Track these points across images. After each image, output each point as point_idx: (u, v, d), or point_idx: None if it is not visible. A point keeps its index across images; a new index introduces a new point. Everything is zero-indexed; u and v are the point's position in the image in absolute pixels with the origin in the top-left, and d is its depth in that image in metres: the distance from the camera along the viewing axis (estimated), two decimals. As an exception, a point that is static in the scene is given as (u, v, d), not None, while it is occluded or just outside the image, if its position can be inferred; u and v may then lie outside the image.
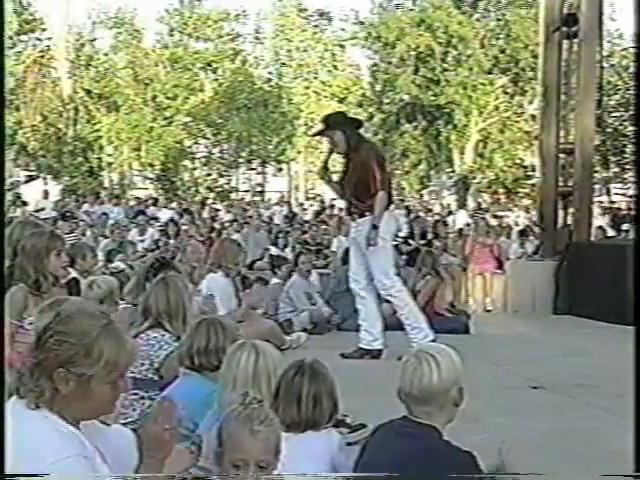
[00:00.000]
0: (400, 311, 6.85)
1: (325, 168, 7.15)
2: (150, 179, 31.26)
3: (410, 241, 12.67)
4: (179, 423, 2.30)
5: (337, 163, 7.72)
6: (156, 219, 16.34)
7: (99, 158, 29.59)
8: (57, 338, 2.02)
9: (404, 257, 11.65)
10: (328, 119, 7.10)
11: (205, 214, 17.94)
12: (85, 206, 18.70)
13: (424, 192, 33.02)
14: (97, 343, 2.04)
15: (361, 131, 7.15)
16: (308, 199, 29.72)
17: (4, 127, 2.18)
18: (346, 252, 9.43)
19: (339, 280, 9.12)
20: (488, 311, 10.87)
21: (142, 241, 13.02)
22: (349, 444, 3.42)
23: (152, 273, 5.50)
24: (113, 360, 2.06)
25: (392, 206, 7.16)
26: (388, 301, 7.15)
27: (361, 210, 6.80)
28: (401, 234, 13.15)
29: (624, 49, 29.41)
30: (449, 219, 18.17)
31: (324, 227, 15.24)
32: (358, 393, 5.38)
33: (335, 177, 7.19)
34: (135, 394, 3.98)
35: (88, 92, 29.71)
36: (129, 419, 3.86)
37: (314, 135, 8.03)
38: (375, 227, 6.66)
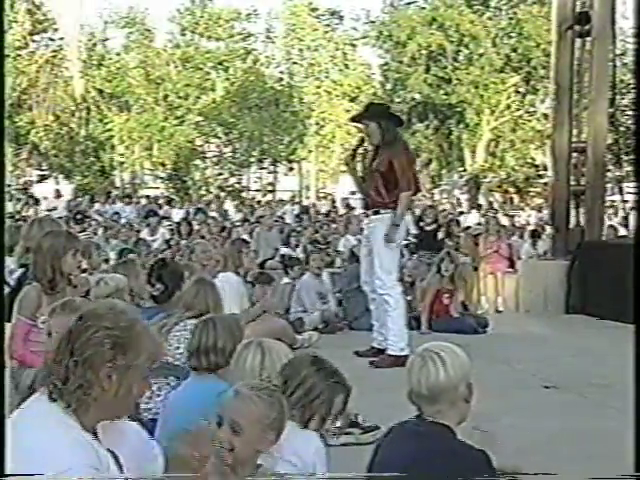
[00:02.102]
0: (390, 312, 6.72)
1: (352, 156, 7.08)
2: (161, 178, 31.33)
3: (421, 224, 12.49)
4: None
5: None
6: (168, 218, 16.39)
7: (111, 157, 29.69)
8: (105, 333, 2.02)
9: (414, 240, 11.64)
10: (369, 107, 7.12)
11: (215, 213, 17.97)
12: (97, 205, 18.79)
13: (435, 191, 32.97)
14: (141, 335, 2.08)
15: (398, 129, 7.01)
16: (319, 198, 29.72)
17: (4, 127, 2.19)
18: (351, 251, 9.46)
19: (350, 279, 9.12)
20: (499, 312, 10.84)
21: (153, 241, 13.05)
22: (363, 444, 3.43)
23: (155, 273, 5.53)
24: (154, 351, 2.11)
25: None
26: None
27: (378, 205, 6.69)
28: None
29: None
30: (461, 219, 18.13)
31: (334, 226, 15.26)
32: (370, 393, 5.38)
33: (360, 169, 7.07)
34: (167, 377, 3.99)
35: (100, 92, 29.82)
36: (153, 409, 3.85)
37: (351, 119, 7.93)
38: (396, 225, 6.56)
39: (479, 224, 15.38)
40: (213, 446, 2.25)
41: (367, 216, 6.93)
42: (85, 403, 2.01)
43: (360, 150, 7.11)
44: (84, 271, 4.62)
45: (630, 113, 27.89)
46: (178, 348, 4.17)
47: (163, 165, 30.29)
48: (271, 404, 2.31)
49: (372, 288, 6.88)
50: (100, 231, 13.91)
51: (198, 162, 31.53)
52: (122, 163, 30.03)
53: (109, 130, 29.23)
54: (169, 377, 4.01)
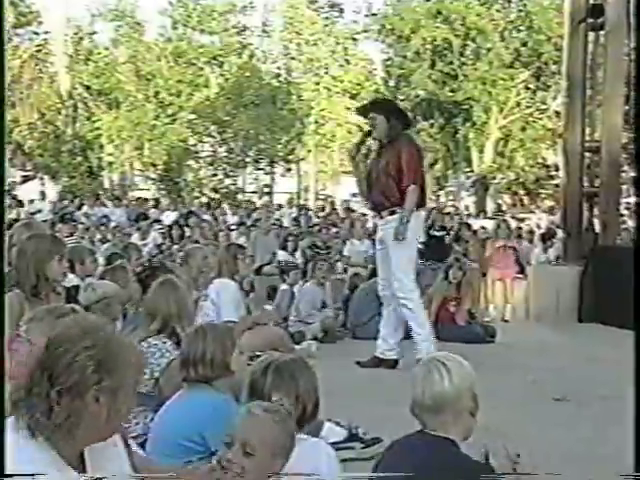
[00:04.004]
0: (413, 319, 6.75)
1: (357, 150, 7.08)
2: (152, 179, 31.34)
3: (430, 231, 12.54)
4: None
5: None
6: (159, 222, 16.39)
7: (99, 157, 29.71)
8: (86, 354, 1.98)
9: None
10: (377, 101, 7.15)
11: (208, 216, 17.99)
12: (84, 208, 18.79)
13: (441, 193, 32.99)
14: (121, 349, 2.05)
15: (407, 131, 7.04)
16: (319, 200, 29.74)
17: (4, 126, 2.20)
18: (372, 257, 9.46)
19: (365, 288, 9.16)
20: (505, 321, 10.83)
21: (144, 245, 13.05)
22: (363, 460, 3.42)
23: (144, 277, 5.53)
24: (137, 363, 2.09)
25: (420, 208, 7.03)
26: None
27: (389, 206, 6.71)
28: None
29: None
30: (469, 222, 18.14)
31: (335, 230, 15.26)
32: (371, 405, 5.38)
33: (362, 167, 7.05)
34: (138, 407, 3.99)
35: (87, 88, 29.85)
36: (132, 433, 3.86)
37: (357, 109, 7.94)
38: (406, 221, 6.57)
39: (483, 227, 15.39)
40: (221, 467, 2.25)
41: (381, 217, 6.90)
42: (72, 432, 1.97)
43: (364, 146, 7.11)
44: (65, 274, 4.60)
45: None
46: (144, 374, 4.11)
47: (154, 166, 30.30)
48: (284, 429, 2.31)
49: (392, 292, 6.88)
50: (88, 235, 13.91)
51: (191, 162, 31.55)
52: (111, 163, 30.04)
53: (97, 129, 29.25)
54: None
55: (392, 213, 6.71)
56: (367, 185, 6.97)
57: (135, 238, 13.63)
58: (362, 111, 7.30)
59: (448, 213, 21.16)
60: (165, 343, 4.18)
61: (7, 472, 1.92)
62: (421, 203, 6.84)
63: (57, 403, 1.94)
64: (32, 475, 1.88)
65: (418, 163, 6.78)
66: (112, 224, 15.84)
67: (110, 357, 2.00)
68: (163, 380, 4.07)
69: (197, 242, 11.86)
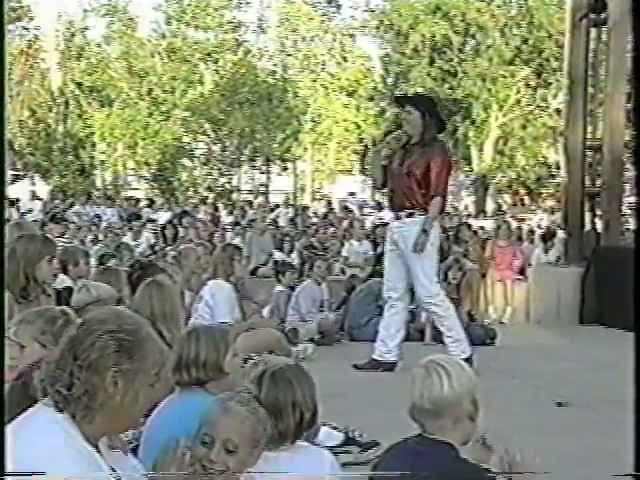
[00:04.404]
0: (443, 322, 6.80)
1: (386, 140, 7.02)
2: (146, 179, 31.33)
3: None
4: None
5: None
6: (153, 222, 16.39)
7: (91, 156, 29.69)
8: (110, 336, 2.07)
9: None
10: (417, 95, 7.18)
11: (203, 215, 17.98)
12: (76, 207, 18.78)
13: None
14: (147, 340, 2.14)
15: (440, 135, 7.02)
16: (315, 200, 29.74)
17: (4, 126, 2.20)
18: (376, 260, 9.50)
19: (363, 289, 9.18)
20: (502, 323, 10.83)
21: (137, 246, 13.04)
22: (361, 464, 3.42)
23: (135, 276, 5.51)
24: (160, 359, 2.15)
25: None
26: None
27: (410, 207, 6.70)
28: None
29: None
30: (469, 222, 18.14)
31: (332, 230, 15.27)
32: (371, 408, 5.38)
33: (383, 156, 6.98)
34: None
35: (79, 85, 29.83)
36: (124, 439, 3.85)
37: (396, 98, 7.88)
38: (425, 232, 6.58)
39: (482, 227, 15.41)
40: (202, 467, 2.26)
41: (398, 218, 6.88)
42: (91, 411, 2.06)
43: (387, 143, 7.01)
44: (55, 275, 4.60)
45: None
46: None
47: (147, 164, 30.29)
48: (259, 419, 2.33)
49: (399, 295, 6.90)
50: (80, 235, 13.89)
51: (185, 161, 31.54)
52: (103, 162, 30.03)
53: (89, 127, 29.23)
54: None
55: (410, 215, 6.72)
56: (384, 177, 6.93)
57: (128, 238, 13.63)
58: (400, 101, 7.27)
59: (447, 213, 21.18)
60: None
61: (7, 471, 1.97)
62: (441, 210, 6.89)
63: (77, 378, 2.05)
64: (31, 474, 1.93)
65: (447, 174, 6.75)
66: (104, 224, 15.83)
67: (133, 343, 2.10)
68: None
69: (191, 242, 11.85)
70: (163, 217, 17.32)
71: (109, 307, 2.36)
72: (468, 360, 6.07)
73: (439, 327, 6.88)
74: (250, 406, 2.34)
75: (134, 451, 3.33)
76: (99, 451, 2.12)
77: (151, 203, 21.28)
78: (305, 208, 20.35)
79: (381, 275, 9.79)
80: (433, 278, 6.81)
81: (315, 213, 20.69)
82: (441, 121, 7.02)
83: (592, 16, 10.25)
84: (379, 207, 26.02)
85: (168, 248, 12.15)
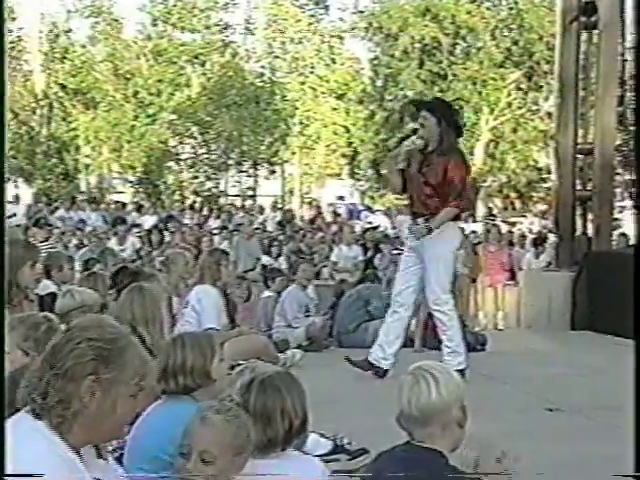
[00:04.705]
0: (446, 331, 6.82)
1: (402, 145, 7.01)
2: (131, 182, 31.25)
3: None
4: None
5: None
6: (138, 226, 16.35)
7: (75, 159, 29.59)
8: (88, 344, 2.07)
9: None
10: (433, 100, 7.21)
11: (188, 220, 17.96)
12: (60, 212, 18.71)
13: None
14: (127, 349, 2.12)
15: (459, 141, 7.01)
16: (304, 204, 29.74)
17: (4, 126, 2.21)
18: (366, 265, 9.53)
19: (352, 294, 9.19)
20: (497, 329, 10.85)
21: (122, 250, 13.02)
22: (349, 472, 3.42)
23: (119, 282, 5.50)
24: (141, 369, 2.13)
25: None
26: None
27: (427, 214, 6.75)
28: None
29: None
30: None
31: (320, 235, 15.28)
32: (360, 415, 5.38)
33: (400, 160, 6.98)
34: None
35: (63, 87, 29.74)
36: (108, 447, 3.84)
37: (412, 102, 7.92)
38: (429, 229, 6.61)
39: (473, 232, 15.45)
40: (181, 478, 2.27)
41: (416, 224, 6.89)
42: (67, 420, 2.05)
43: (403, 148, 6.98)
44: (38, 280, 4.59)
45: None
46: None
47: (133, 168, 30.21)
48: (239, 427, 2.33)
49: (403, 301, 6.91)
50: (64, 240, 13.85)
51: (171, 165, 31.49)
52: (88, 166, 29.93)
53: (73, 129, 29.14)
54: None
55: (426, 221, 6.76)
56: (403, 182, 6.93)
57: (113, 243, 13.60)
58: (416, 105, 7.29)
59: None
60: None
61: (7, 472, 1.98)
62: (458, 215, 6.90)
63: (52, 387, 2.04)
64: (31, 475, 1.94)
65: (464, 182, 6.74)
66: (88, 228, 15.79)
67: (112, 352, 2.08)
68: None
69: (177, 247, 11.84)
70: (148, 221, 17.28)
71: (93, 315, 2.35)
72: (462, 372, 6.18)
73: (440, 335, 6.90)
74: (229, 414, 2.35)
75: (119, 460, 3.33)
76: (82, 459, 2.10)
77: (139, 207, 21.22)
78: (288, 211, 20.29)
79: (371, 280, 9.83)
80: (446, 286, 6.84)
81: (301, 217, 20.68)
82: (458, 127, 6.97)
83: (583, 19, 10.29)
84: (369, 211, 26.08)
85: (154, 253, 12.14)
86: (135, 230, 15.35)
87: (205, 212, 20.68)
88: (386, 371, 6.91)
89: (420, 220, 6.80)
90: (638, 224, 7.74)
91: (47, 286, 5.90)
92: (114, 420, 2.12)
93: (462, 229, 7.19)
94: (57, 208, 19.48)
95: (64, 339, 2.10)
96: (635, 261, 3.02)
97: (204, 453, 2.26)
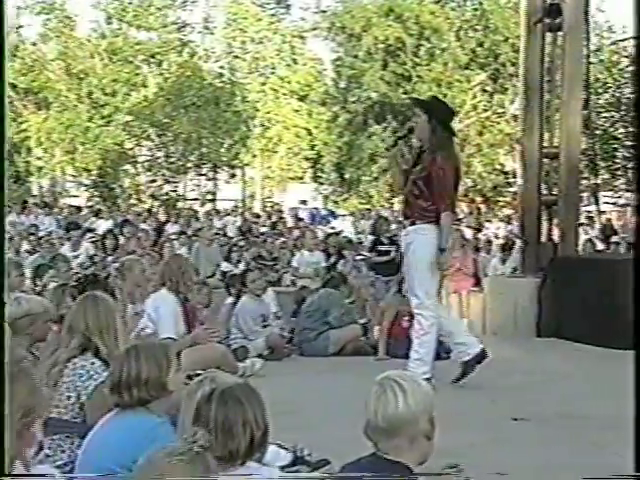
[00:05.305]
0: (422, 335, 6.82)
1: (398, 143, 7.10)
2: (85, 186, 30.97)
3: (382, 248, 12.79)
4: None
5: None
6: (93, 231, 16.19)
7: (26, 162, 29.27)
8: None
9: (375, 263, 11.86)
10: (428, 98, 7.27)
11: (146, 224, 17.83)
12: (11, 216, 18.47)
13: (395, 201, 33.17)
14: (14, 379, 2.05)
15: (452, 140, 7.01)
16: (265, 209, 29.69)
17: (4, 126, 2.18)
18: (328, 271, 9.53)
19: (313, 302, 9.18)
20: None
21: (76, 257, 12.88)
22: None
23: (79, 291, 5.45)
24: (27, 402, 2.06)
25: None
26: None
27: (410, 216, 6.82)
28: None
29: (613, 43, 29.93)
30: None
31: (282, 240, 15.27)
32: (322, 425, 5.38)
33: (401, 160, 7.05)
34: (63, 434, 3.94)
35: (14, 87, 29.35)
36: (58, 462, 3.81)
37: (412, 98, 7.99)
38: (442, 250, 6.66)
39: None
40: None
41: (404, 227, 7.01)
42: None
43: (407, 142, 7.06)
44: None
45: (606, 115, 28.53)
46: (69, 398, 4.10)
47: (87, 171, 29.95)
48: (193, 467, 2.30)
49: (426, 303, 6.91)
50: (14, 245, 13.68)
51: (128, 168, 31.27)
52: (40, 168, 29.61)
53: (24, 130, 28.81)
54: (58, 435, 3.93)
55: (413, 224, 6.82)
56: (404, 182, 6.98)
57: (66, 249, 13.45)
58: (412, 103, 7.34)
59: (401, 221, 21.30)
60: (94, 364, 4.13)
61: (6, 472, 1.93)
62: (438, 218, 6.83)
63: None
64: (31, 475, 1.88)
65: (445, 180, 6.69)
66: (41, 233, 15.60)
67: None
68: (89, 404, 4.01)
69: (133, 252, 11.76)
70: (103, 226, 17.13)
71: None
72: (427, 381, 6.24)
73: (413, 338, 6.90)
74: (181, 455, 2.33)
75: (70, 473, 3.30)
76: None
77: (97, 212, 21.03)
78: (245, 221, 20.22)
79: (334, 286, 9.79)
80: (430, 291, 6.83)
81: (263, 223, 20.63)
82: (449, 127, 6.98)
83: (547, 21, 10.37)
84: (332, 216, 26.11)
85: (109, 259, 12.03)
86: (89, 235, 15.20)
87: (163, 216, 20.56)
88: (483, 352, 6.88)
89: (407, 222, 6.90)
90: (638, 228, 7.81)
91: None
92: None
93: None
94: (8, 212, 19.24)
95: None
96: (635, 269, 3.05)
97: None
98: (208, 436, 2.65)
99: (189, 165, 32.09)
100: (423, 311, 6.81)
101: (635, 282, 2.96)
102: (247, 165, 33.16)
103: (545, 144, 10.55)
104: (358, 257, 13.37)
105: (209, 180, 33.94)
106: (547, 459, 4.87)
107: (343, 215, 25.71)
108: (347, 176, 31.60)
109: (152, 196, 30.73)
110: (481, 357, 6.92)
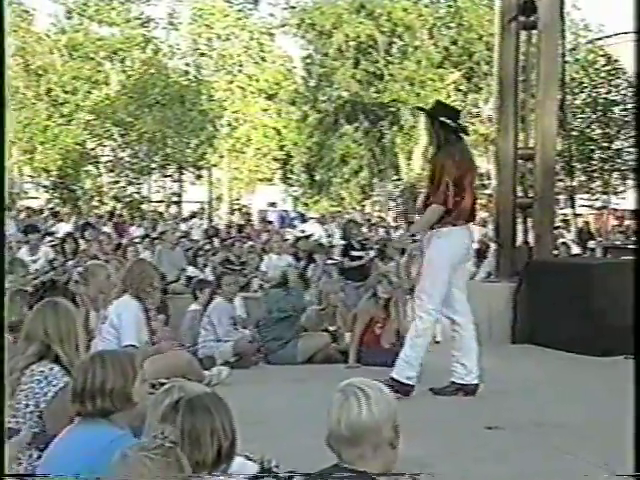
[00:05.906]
0: (414, 337, 6.89)
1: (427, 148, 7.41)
2: (45, 187, 30.74)
3: (354, 253, 12.89)
4: None
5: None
6: (52, 234, 16.08)
7: (-18, 162, 29.02)
8: None
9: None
10: (434, 103, 7.69)
11: (109, 227, 17.75)
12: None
13: (366, 203, 33.28)
14: None
15: (454, 136, 7.04)
16: (232, 211, 29.65)
17: (5, 126, 2.17)
18: (283, 274, 9.50)
19: (270, 305, 9.16)
20: (437, 342, 10.94)
21: (34, 261, 12.77)
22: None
23: (37, 298, 5.41)
24: None
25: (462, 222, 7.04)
26: None
27: (437, 221, 6.91)
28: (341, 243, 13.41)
29: (590, 42, 30.24)
30: (395, 235, 18.34)
31: (250, 244, 15.25)
32: (289, 435, 5.38)
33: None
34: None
35: (-31, 84, 29.16)
36: (20, 471, 3.78)
37: (417, 107, 8.29)
38: (413, 238, 6.87)
39: (414, 240, 15.59)
40: None
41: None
42: None
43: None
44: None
45: (583, 116, 28.81)
46: (27, 406, 4.07)
47: (47, 171, 29.75)
48: (167, 464, 2.30)
49: (452, 310, 7.06)
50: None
51: (89, 168, 31.08)
52: (-3, 169, 29.36)
53: (-20, 129, 28.58)
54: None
55: (431, 228, 6.93)
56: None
57: (24, 253, 13.32)
58: (417, 109, 7.61)
59: (373, 224, 21.38)
60: (52, 369, 4.10)
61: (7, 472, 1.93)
62: (468, 219, 6.96)
63: None
64: (32, 475, 1.90)
65: (444, 180, 6.78)
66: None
67: None
68: (49, 412, 3.99)
69: (95, 257, 11.68)
70: (63, 229, 17.01)
71: None
72: (410, 387, 6.63)
73: (407, 340, 6.99)
74: (154, 451, 2.33)
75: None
76: None
77: (56, 214, 20.87)
78: (212, 227, 20.20)
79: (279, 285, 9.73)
80: (433, 294, 6.88)
81: (230, 226, 20.61)
82: (448, 127, 6.99)
83: (522, 19, 10.43)
84: (302, 219, 26.14)
85: (69, 264, 11.95)
86: (48, 239, 15.09)
87: (126, 219, 20.47)
88: (476, 385, 6.97)
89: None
90: (638, 230, 7.87)
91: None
92: None
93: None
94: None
95: None
96: (635, 272, 3.08)
97: None
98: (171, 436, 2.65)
99: (153, 166, 31.97)
100: (422, 313, 6.90)
101: (635, 282, 3.00)
102: (214, 166, 33.11)
103: (520, 145, 10.60)
104: (329, 261, 13.39)
105: (174, 182, 33.83)
106: (521, 469, 4.91)
107: (313, 218, 25.73)
108: (317, 177, 31.68)
109: (115, 198, 30.57)
110: (470, 391, 6.98)
